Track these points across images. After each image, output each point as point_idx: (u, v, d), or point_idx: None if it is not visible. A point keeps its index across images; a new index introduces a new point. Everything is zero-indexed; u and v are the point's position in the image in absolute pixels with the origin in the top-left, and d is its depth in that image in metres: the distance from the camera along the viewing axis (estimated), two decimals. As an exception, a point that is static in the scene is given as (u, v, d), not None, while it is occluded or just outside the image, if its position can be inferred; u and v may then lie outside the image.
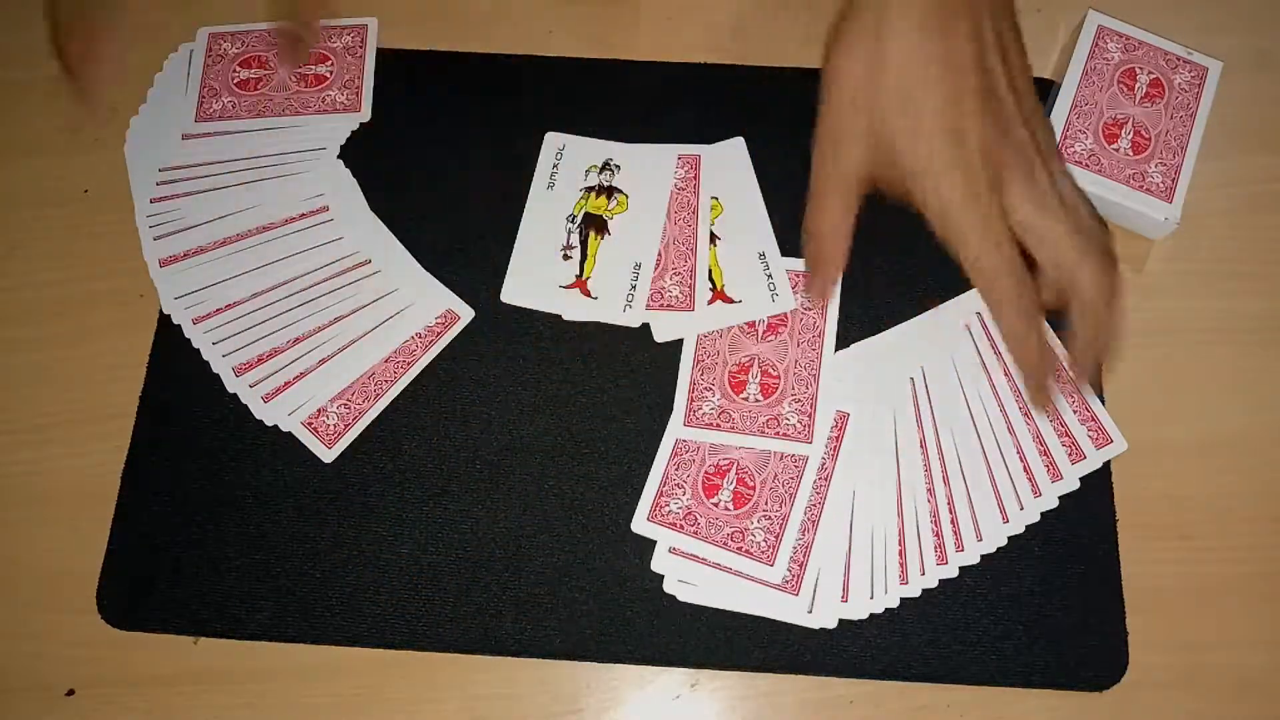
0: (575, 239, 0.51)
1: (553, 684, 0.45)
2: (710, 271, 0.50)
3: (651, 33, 0.56)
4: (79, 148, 0.54)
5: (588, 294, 0.50)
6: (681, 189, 0.51)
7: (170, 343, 0.49)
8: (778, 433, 0.46)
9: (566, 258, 0.50)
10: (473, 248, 0.51)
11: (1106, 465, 0.47)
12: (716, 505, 0.45)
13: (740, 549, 0.45)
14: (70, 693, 0.45)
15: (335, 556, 0.46)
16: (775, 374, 0.48)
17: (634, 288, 0.49)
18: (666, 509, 0.46)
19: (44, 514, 0.47)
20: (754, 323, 0.49)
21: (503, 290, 0.50)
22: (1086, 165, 0.50)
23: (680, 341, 0.49)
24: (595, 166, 0.52)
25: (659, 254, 0.50)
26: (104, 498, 0.47)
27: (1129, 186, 0.49)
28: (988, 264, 0.41)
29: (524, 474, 0.47)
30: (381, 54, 0.55)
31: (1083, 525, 0.46)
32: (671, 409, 0.48)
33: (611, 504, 0.46)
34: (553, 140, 0.53)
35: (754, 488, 0.46)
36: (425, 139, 0.53)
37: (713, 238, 0.51)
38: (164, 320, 0.50)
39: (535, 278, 0.50)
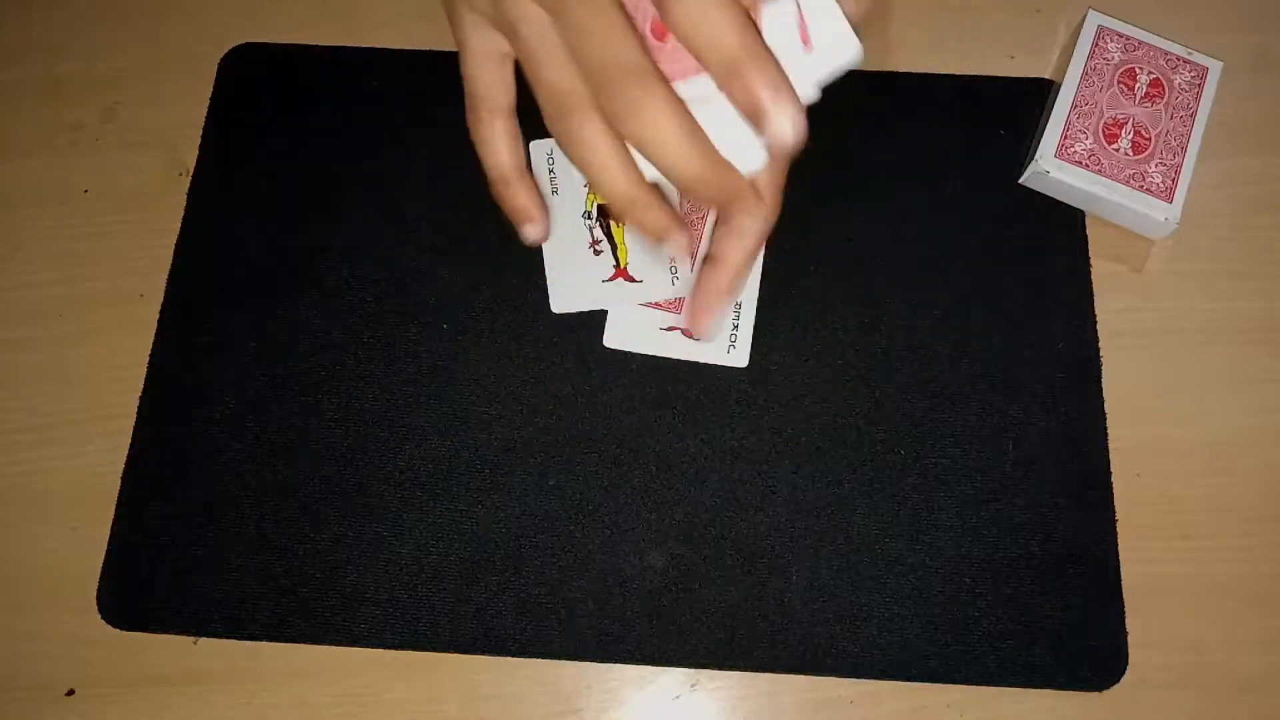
0: (599, 232, 0.51)
1: (553, 684, 0.45)
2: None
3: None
4: (79, 148, 0.54)
5: (631, 279, 0.50)
6: None
7: (170, 343, 0.49)
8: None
9: (597, 253, 0.51)
10: (473, 245, 0.51)
11: (1106, 465, 0.47)
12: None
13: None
14: (70, 693, 0.45)
15: (335, 556, 0.46)
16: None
17: (671, 257, 0.50)
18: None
19: (44, 514, 0.47)
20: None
21: (551, 303, 0.50)
22: (1086, 165, 0.50)
23: None
24: None
25: None
26: (104, 498, 0.47)
27: (1129, 186, 0.49)
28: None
29: (524, 474, 0.47)
30: (379, 54, 0.55)
31: (1082, 525, 0.46)
32: (670, 410, 0.48)
33: (611, 504, 0.46)
34: (539, 147, 0.52)
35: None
36: (426, 138, 0.53)
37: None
38: (164, 320, 0.50)
39: (577, 281, 0.50)
